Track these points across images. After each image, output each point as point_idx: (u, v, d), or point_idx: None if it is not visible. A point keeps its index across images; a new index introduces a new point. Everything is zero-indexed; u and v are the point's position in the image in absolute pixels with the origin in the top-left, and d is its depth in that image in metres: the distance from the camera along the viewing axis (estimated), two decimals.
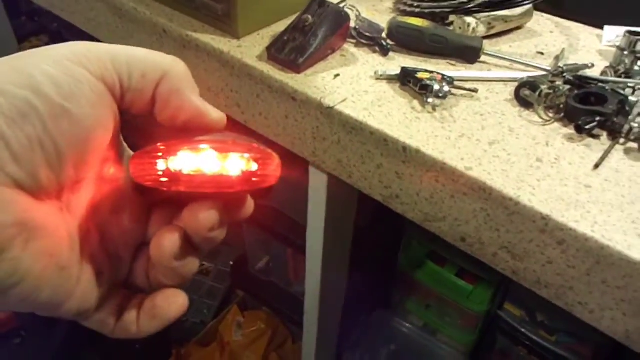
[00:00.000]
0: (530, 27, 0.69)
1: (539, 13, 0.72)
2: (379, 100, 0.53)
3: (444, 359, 1.09)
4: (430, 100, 0.51)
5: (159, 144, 0.24)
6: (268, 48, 0.58)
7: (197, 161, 0.24)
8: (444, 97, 0.52)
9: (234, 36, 0.61)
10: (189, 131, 0.25)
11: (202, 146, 0.24)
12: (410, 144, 0.48)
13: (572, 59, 0.61)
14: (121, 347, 1.22)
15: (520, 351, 0.96)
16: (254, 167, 0.24)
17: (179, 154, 0.24)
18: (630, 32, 0.54)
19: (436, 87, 0.51)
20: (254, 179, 0.24)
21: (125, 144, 0.27)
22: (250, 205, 0.27)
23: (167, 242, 0.24)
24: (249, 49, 0.60)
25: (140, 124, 0.58)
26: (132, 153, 0.27)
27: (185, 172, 0.23)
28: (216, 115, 0.26)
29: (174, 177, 0.24)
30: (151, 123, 0.26)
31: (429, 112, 0.52)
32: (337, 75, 0.57)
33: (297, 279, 1.21)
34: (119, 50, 0.24)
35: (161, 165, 0.24)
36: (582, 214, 0.42)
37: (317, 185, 0.65)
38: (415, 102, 0.53)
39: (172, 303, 0.26)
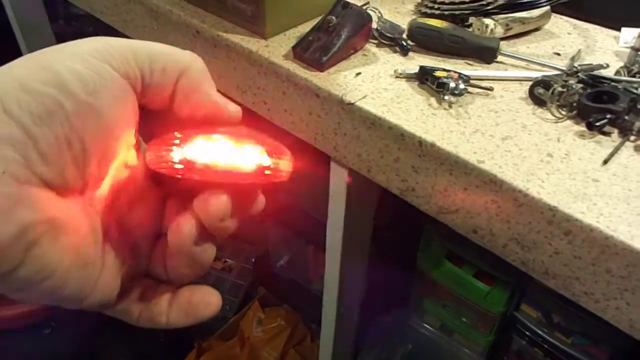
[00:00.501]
0: (548, 29, 0.70)
1: (557, 15, 0.73)
2: (397, 97, 0.56)
3: (460, 359, 1.10)
4: (446, 97, 0.54)
5: (175, 132, 0.25)
6: (294, 47, 0.61)
7: (212, 151, 0.24)
8: (460, 94, 0.54)
9: (262, 36, 0.65)
10: (207, 124, 0.26)
11: (217, 136, 0.24)
12: (426, 138, 0.50)
13: (588, 60, 0.63)
14: (146, 338, 1.26)
15: (536, 353, 0.97)
16: (267, 160, 0.25)
17: (194, 143, 0.24)
18: None
19: (452, 85, 0.53)
20: (266, 173, 0.25)
21: (140, 137, 0.28)
22: (261, 200, 0.28)
23: (185, 226, 0.24)
24: (276, 49, 0.63)
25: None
26: (146, 145, 0.28)
27: (199, 161, 0.24)
28: (234, 109, 0.26)
29: (189, 165, 0.24)
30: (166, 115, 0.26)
31: (445, 109, 0.54)
32: (359, 73, 0.59)
33: (317, 277, 1.24)
34: (140, 45, 0.24)
35: (177, 153, 0.24)
36: (589, 206, 0.43)
37: (338, 181, 0.67)
38: (433, 100, 0.55)
39: (209, 303, 0.26)
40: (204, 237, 0.25)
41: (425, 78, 0.56)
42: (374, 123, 0.54)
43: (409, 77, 0.58)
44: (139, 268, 0.27)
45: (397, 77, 0.58)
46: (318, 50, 0.59)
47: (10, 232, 0.19)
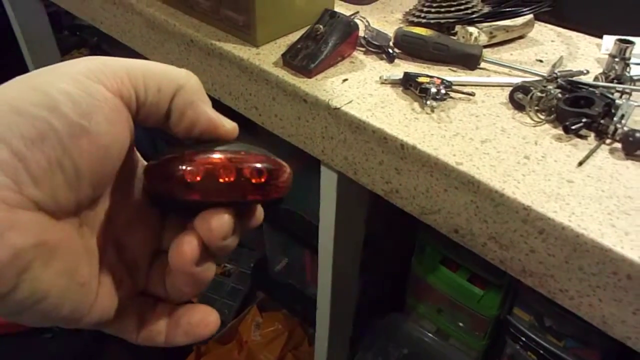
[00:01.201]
0: (532, 37, 0.72)
1: (542, 24, 0.75)
2: (382, 102, 0.58)
3: None
4: (428, 102, 0.56)
5: (173, 154, 0.25)
6: (283, 55, 0.63)
7: (211, 171, 0.24)
8: (442, 99, 0.56)
9: (254, 45, 0.67)
10: (202, 141, 0.26)
11: (216, 156, 0.24)
12: (408, 142, 0.52)
13: (570, 66, 0.65)
14: None
15: (529, 356, 0.98)
16: (266, 177, 0.25)
17: (193, 164, 0.24)
18: (620, 40, 0.57)
19: (434, 90, 0.55)
20: (266, 189, 0.25)
21: (138, 153, 0.28)
22: (260, 213, 0.28)
23: (186, 248, 0.24)
24: (267, 56, 0.65)
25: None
26: (145, 162, 0.28)
27: (199, 181, 0.24)
28: (229, 126, 0.26)
29: (189, 186, 0.24)
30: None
31: (427, 114, 0.56)
32: (346, 79, 0.61)
33: (314, 281, 1.25)
34: (134, 64, 0.24)
35: (175, 173, 0.24)
36: (561, 205, 0.45)
37: (328, 184, 0.69)
38: (416, 104, 0.57)
39: (208, 323, 0.26)
40: (205, 256, 0.25)
41: (409, 84, 0.58)
42: (358, 127, 0.55)
43: (393, 83, 0.60)
44: (136, 286, 0.27)
45: (382, 83, 0.60)
46: (306, 58, 0.61)
47: (2, 257, 0.19)
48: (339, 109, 0.56)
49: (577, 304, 0.46)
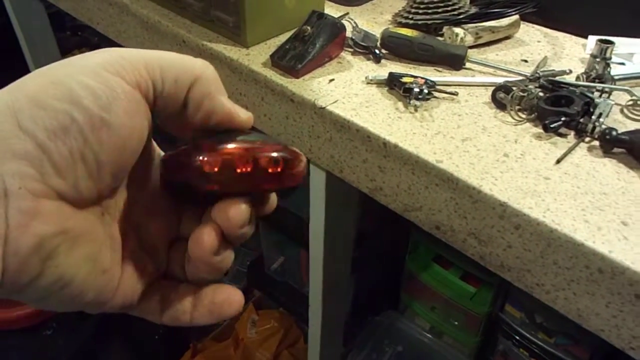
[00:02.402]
0: (519, 37, 0.73)
1: (529, 24, 0.76)
2: (367, 102, 0.59)
3: None
4: (412, 101, 0.57)
5: (190, 145, 0.25)
6: (271, 56, 0.64)
7: (228, 161, 0.24)
8: (425, 99, 0.57)
9: (244, 45, 0.68)
10: (218, 131, 0.26)
11: (233, 146, 0.25)
12: (390, 140, 0.53)
13: (554, 66, 0.66)
14: (144, 339, 1.29)
15: (521, 353, 0.99)
16: (282, 166, 0.25)
17: (211, 155, 0.24)
18: (601, 41, 0.58)
19: (417, 89, 0.56)
20: (282, 178, 0.25)
21: (154, 143, 0.28)
22: (274, 200, 0.28)
23: (206, 238, 0.24)
24: (256, 57, 0.66)
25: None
26: (161, 152, 0.29)
27: (218, 170, 0.24)
28: (245, 115, 0.27)
29: (207, 176, 0.24)
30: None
31: (410, 113, 0.57)
32: (332, 79, 0.63)
33: (309, 280, 1.27)
34: (151, 55, 0.24)
35: (193, 164, 0.24)
36: (537, 201, 0.46)
37: (317, 182, 0.70)
38: (400, 104, 0.59)
39: (232, 302, 0.27)
40: (223, 245, 0.25)
41: (393, 84, 0.59)
42: (343, 126, 0.57)
43: (379, 83, 0.61)
44: (158, 270, 0.28)
45: (368, 83, 0.62)
46: (294, 59, 0.62)
47: (28, 245, 0.19)
48: (324, 108, 0.58)
49: (553, 297, 0.47)
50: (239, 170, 0.24)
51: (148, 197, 0.27)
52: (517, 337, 0.98)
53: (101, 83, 0.22)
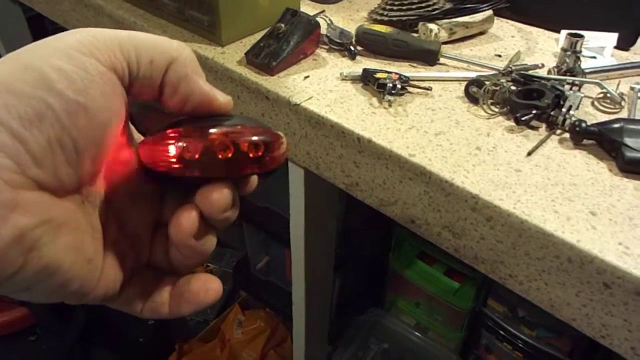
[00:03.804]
0: (493, 32, 0.74)
1: (503, 20, 0.77)
2: (341, 98, 0.59)
3: (434, 356, 1.13)
4: (385, 97, 0.57)
5: (169, 130, 0.24)
6: (246, 54, 0.64)
7: (209, 147, 0.24)
8: (398, 94, 0.58)
9: (218, 44, 0.68)
10: (196, 115, 0.26)
11: (213, 131, 0.24)
12: (364, 135, 0.53)
13: (527, 60, 0.66)
14: (129, 341, 1.28)
15: (504, 346, 1.00)
16: (263, 150, 0.25)
17: (191, 141, 0.24)
18: (571, 34, 0.59)
19: (390, 85, 0.57)
20: (263, 162, 0.25)
21: (132, 127, 0.28)
22: (254, 180, 0.28)
23: (185, 221, 0.24)
24: (231, 55, 0.66)
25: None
26: (140, 137, 0.28)
27: (198, 157, 0.24)
28: (223, 99, 0.26)
29: (187, 162, 0.24)
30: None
31: (384, 108, 0.57)
32: (307, 76, 0.63)
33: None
34: (125, 36, 0.23)
35: (173, 151, 0.24)
36: (508, 193, 0.47)
37: (295, 179, 0.70)
38: (374, 100, 0.59)
39: (209, 289, 0.26)
40: (205, 229, 0.25)
41: (368, 80, 0.60)
42: (318, 122, 0.57)
43: (354, 79, 0.62)
44: (140, 259, 0.27)
45: (342, 79, 0.62)
46: (268, 56, 0.62)
47: (8, 237, 0.19)
48: (299, 105, 0.58)
49: (526, 288, 0.48)
50: (219, 156, 0.24)
51: (127, 183, 0.27)
52: (500, 331, 0.99)
53: (75, 65, 0.21)
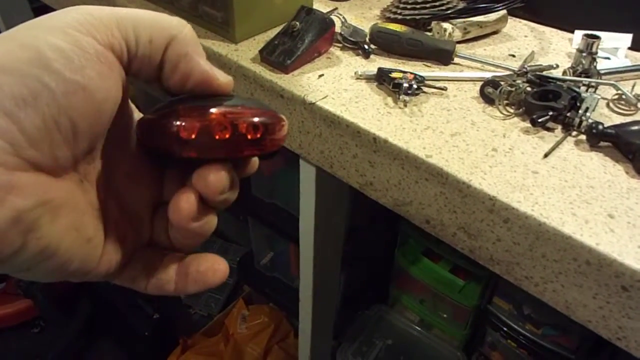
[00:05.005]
0: (506, 32, 0.74)
1: (516, 19, 0.77)
2: (356, 97, 0.59)
3: (438, 353, 1.14)
4: (401, 97, 0.57)
5: (167, 109, 0.24)
6: (260, 51, 0.64)
7: (206, 127, 0.23)
8: (414, 94, 0.58)
9: (232, 41, 0.68)
10: (197, 95, 0.25)
11: (211, 111, 0.24)
12: (380, 135, 0.53)
13: (541, 61, 0.66)
14: (133, 335, 1.29)
15: (509, 344, 1.00)
16: (262, 132, 0.24)
17: (188, 120, 0.23)
18: (587, 35, 0.59)
19: (406, 85, 0.57)
20: (262, 144, 0.25)
21: (132, 105, 0.27)
22: (255, 162, 0.28)
23: (184, 205, 0.24)
24: (245, 53, 0.66)
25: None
26: (140, 114, 0.27)
27: (195, 137, 0.23)
28: (224, 79, 0.25)
29: (185, 142, 0.23)
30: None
31: (400, 108, 0.57)
32: (322, 75, 0.63)
33: (298, 274, 1.27)
34: (124, 13, 0.23)
35: (169, 130, 0.23)
36: (525, 195, 0.47)
37: (307, 177, 0.70)
38: (389, 99, 0.59)
39: (217, 270, 0.26)
40: (204, 211, 0.25)
41: (382, 79, 0.60)
42: (333, 121, 0.57)
43: (368, 79, 0.61)
44: (141, 238, 0.27)
45: (357, 78, 0.62)
46: (283, 54, 0.62)
47: (5, 219, 0.19)
48: (314, 104, 0.58)
49: (541, 290, 0.48)
50: (217, 137, 0.23)
51: (127, 162, 0.26)
52: (505, 329, 0.99)
53: (72, 44, 0.21)
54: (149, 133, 0.25)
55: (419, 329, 1.16)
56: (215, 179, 0.24)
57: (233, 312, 1.30)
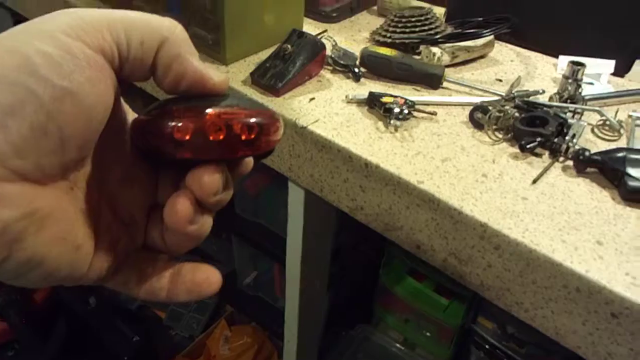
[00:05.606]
0: (493, 57, 0.75)
1: (502, 44, 0.78)
2: (347, 121, 0.59)
3: None
4: (392, 121, 0.58)
5: (161, 110, 0.24)
6: (251, 74, 0.64)
7: (200, 128, 0.23)
8: (405, 119, 0.58)
9: (223, 62, 0.68)
10: (192, 95, 0.25)
11: (205, 112, 0.23)
12: (372, 160, 0.54)
13: (527, 86, 0.68)
14: (112, 358, 1.25)
15: None
16: (256, 132, 0.24)
17: (182, 121, 0.23)
18: (573, 62, 0.60)
19: (397, 110, 0.57)
20: (256, 144, 0.24)
21: (126, 106, 0.27)
22: (250, 162, 0.28)
23: (180, 208, 0.24)
24: (236, 74, 0.66)
25: None
26: (135, 114, 0.27)
27: (189, 138, 0.23)
28: (218, 78, 0.25)
29: (179, 143, 0.23)
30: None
31: (391, 133, 0.58)
32: (312, 98, 0.63)
33: (283, 294, 1.26)
34: (114, 16, 0.22)
35: (164, 131, 0.23)
36: (516, 222, 0.47)
37: (295, 200, 0.70)
38: (380, 124, 0.59)
39: (212, 283, 0.26)
40: (199, 213, 0.24)
41: (373, 103, 0.60)
42: (324, 146, 0.57)
43: (359, 102, 0.62)
44: (134, 242, 0.27)
45: (348, 102, 0.62)
46: (274, 77, 0.62)
47: None
48: (305, 127, 0.58)
49: (532, 316, 0.48)
50: (211, 138, 0.23)
51: (122, 165, 0.26)
52: (489, 348, 1.00)
53: (61, 49, 0.20)
54: (143, 134, 0.24)
55: (403, 348, 1.16)
56: (210, 181, 0.24)
57: (215, 332, 1.28)
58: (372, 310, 1.19)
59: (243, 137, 0.24)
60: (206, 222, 0.25)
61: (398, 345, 1.16)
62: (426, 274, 1.06)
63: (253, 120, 0.24)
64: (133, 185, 0.27)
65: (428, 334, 1.11)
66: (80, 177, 0.24)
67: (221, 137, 0.23)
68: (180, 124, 0.23)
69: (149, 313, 1.40)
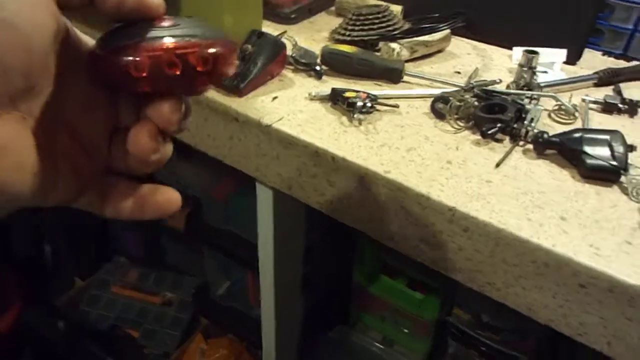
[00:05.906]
0: (450, 50, 0.77)
1: (459, 38, 0.80)
2: (312, 118, 0.60)
3: None
4: (356, 115, 0.58)
5: (115, 46, 0.24)
6: None
7: (156, 64, 0.23)
8: (368, 112, 0.59)
9: None
10: (133, 19, 0.25)
11: (160, 46, 0.23)
12: (338, 154, 0.54)
13: (484, 77, 0.69)
14: None
15: (470, 353, 1.02)
16: (212, 63, 0.24)
17: (138, 56, 0.23)
18: (527, 51, 0.62)
19: (360, 103, 0.58)
20: (214, 74, 0.25)
21: (81, 34, 0.26)
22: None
23: (142, 139, 0.24)
24: None
25: None
26: (91, 40, 0.27)
27: (146, 75, 0.23)
28: (157, 1, 0.25)
29: (136, 80, 0.23)
30: None
31: (355, 126, 0.58)
32: (276, 97, 0.63)
33: (258, 302, 1.25)
34: None
35: (122, 70, 0.23)
36: (483, 204, 0.48)
37: (264, 201, 0.70)
38: (344, 118, 0.60)
39: (173, 202, 0.28)
40: (161, 141, 0.25)
41: (337, 99, 0.61)
42: (290, 143, 0.57)
43: (322, 99, 0.62)
44: (98, 164, 0.27)
45: (311, 99, 0.62)
46: (236, 78, 0.62)
47: None
48: (270, 126, 0.58)
49: (504, 294, 0.49)
50: (168, 72, 0.23)
51: (80, 91, 0.26)
52: (466, 338, 1.01)
53: None
54: (100, 69, 0.25)
55: (382, 347, 1.16)
56: (171, 111, 0.24)
57: (191, 347, 1.26)
58: (348, 310, 1.19)
59: (199, 69, 0.24)
60: (167, 148, 0.26)
61: (377, 344, 1.17)
62: (400, 268, 1.07)
63: (209, 51, 0.24)
64: (94, 111, 0.27)
65: (405, 330, 1.12)
66: (33, 106, 0.23)
67: (177, 72, 0.24)
68: (136, 61, 0.23)
69: (121, 333, 1.37)
